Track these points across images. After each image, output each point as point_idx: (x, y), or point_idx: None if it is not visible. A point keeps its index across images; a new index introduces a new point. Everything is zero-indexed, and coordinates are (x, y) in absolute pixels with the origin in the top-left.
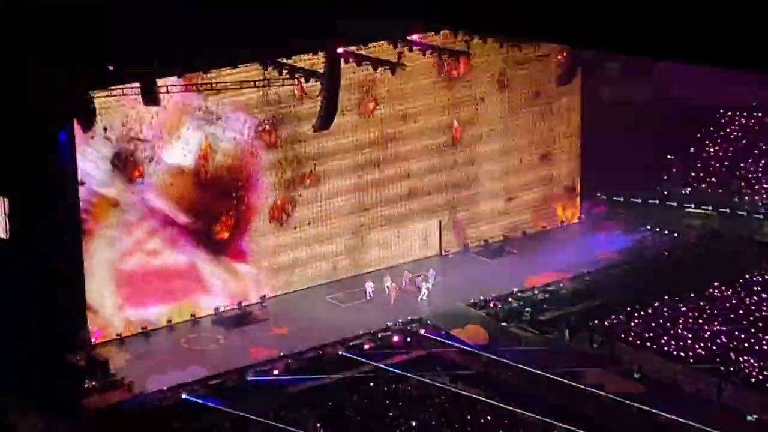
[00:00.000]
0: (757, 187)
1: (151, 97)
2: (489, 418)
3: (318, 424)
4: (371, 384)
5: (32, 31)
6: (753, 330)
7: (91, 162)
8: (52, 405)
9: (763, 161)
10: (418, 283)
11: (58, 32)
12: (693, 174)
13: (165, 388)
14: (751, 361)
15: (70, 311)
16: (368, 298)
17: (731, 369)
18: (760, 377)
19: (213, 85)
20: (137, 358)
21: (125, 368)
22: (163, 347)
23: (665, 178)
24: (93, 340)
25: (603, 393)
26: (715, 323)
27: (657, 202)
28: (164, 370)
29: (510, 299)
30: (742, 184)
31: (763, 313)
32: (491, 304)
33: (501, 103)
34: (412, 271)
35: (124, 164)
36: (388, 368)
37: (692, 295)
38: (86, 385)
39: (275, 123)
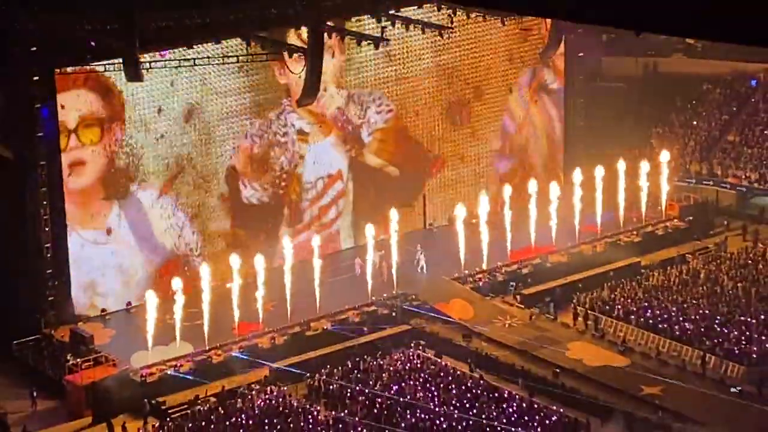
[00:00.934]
0: (740, 158)
1: (133, 72)
2: (474, 390)
3: (304, 398)
4: (357, 358)
5: (14, 8)
6: (736, 302)
7: None
8: (35, 380)
9: (745, 132)
10: (417, 256)
11: (40, 8)
12: (676, 146)
13: (149, 363)
14: (735, 333)
15: (54, 287)
16: (357, 273)
17: (715, 341)
18: (744, 349)
19: (195, 61)
20: (121, 334)
21: (109, 344)
22: (148, 323)
23: (648, 150)
24: (77, 316)
25: (588, 365)
26: (699, 295)
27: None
28: (149, 346)
29: (495, 273)
30: (725, 155)
31: (747, 285)
32: (476, 278)
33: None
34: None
35: None
36: (373, 342)
37: (676, 267)
38: (70, 361)
39: None
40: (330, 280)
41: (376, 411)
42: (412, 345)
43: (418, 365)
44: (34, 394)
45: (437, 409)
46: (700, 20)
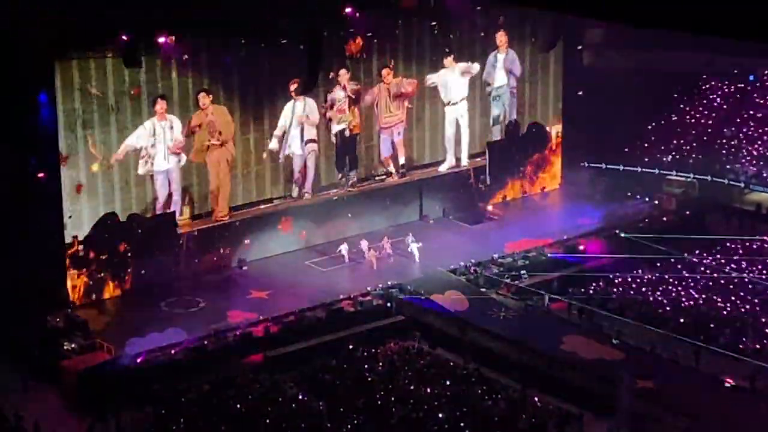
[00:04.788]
0: (738, 154)
1: (132, 59)
2: (468, 383)
3: (297, 388)
4: (351, 348)
5: None
6: (732, 298)
7: None
8: (30, 366)
9: (744, 129)
10: (409, 245)
11: None
12: (674, 141)
13: (144, 350)
14: (729, 328)
15: (50, 272)
16: (345, 260)
17: (709, 336)
18: (738, 345)
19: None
20: (116, 320)
21: (104, 330)
22: (143, 310)
23: (646, 145)
24: (72, 301)
25: (582, 359)
26: (694, 291)
27: (638, 169)
28: (143, 333)
29: (490, 265)
30: (723, 151)
31: (743, 281)
32: (471, 270)
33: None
34: (390, 237)
35: None
36: (367, 333)
37: (672, 262)
38: (65, 347)
39: None
40: (323, 270)
41: (369, 402)
42: (407, 336)
43: (413, 356)
44: (27, 379)
45: (431, 400)
46: (698, 15)
